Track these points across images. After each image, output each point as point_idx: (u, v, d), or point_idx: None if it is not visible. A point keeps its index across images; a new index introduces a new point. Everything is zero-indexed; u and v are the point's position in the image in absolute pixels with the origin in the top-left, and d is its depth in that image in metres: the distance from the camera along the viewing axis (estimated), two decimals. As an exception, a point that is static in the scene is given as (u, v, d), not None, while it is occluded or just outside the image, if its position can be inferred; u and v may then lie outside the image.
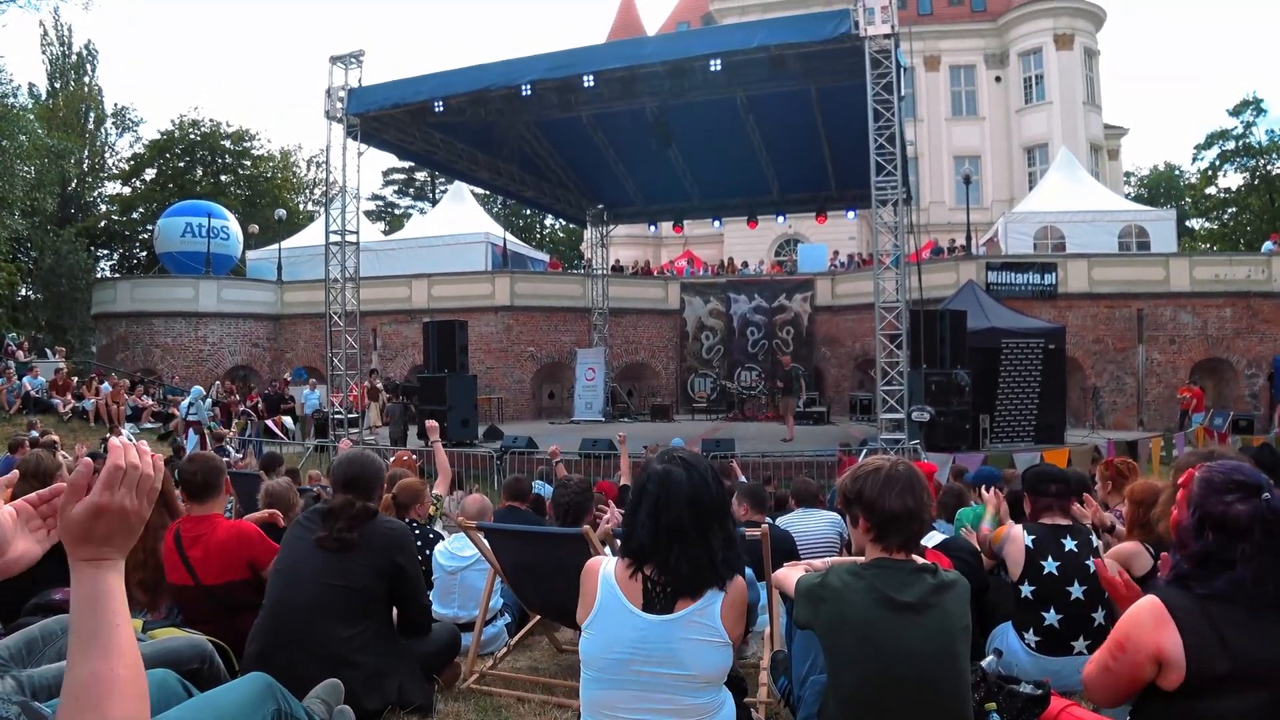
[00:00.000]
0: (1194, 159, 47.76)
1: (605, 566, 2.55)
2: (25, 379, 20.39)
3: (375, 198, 57.00)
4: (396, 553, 3.69)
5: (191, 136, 42.74)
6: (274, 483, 5.70)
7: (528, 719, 3.76)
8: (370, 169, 71.16)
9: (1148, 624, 2.14)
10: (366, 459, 3.95)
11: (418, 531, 5.21)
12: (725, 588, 2.44)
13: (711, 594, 2.42)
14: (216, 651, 3.29)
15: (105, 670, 1.29)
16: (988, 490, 6.32)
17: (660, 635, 2.39)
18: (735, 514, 5.90)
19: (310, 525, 3.69)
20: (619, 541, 3.92)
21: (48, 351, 25.10)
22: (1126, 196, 40.94)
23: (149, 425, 20.52)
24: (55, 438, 12.96)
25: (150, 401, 21.88)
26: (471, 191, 32.17)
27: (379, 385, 22.75)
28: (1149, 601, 2.19)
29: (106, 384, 20.96)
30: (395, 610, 3.84)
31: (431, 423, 8.00)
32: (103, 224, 43.13)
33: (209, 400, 20.61)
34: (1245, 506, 2.12)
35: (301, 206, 49.00)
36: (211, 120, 43.55)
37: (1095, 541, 3.91)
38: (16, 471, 3.83)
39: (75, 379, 21.83)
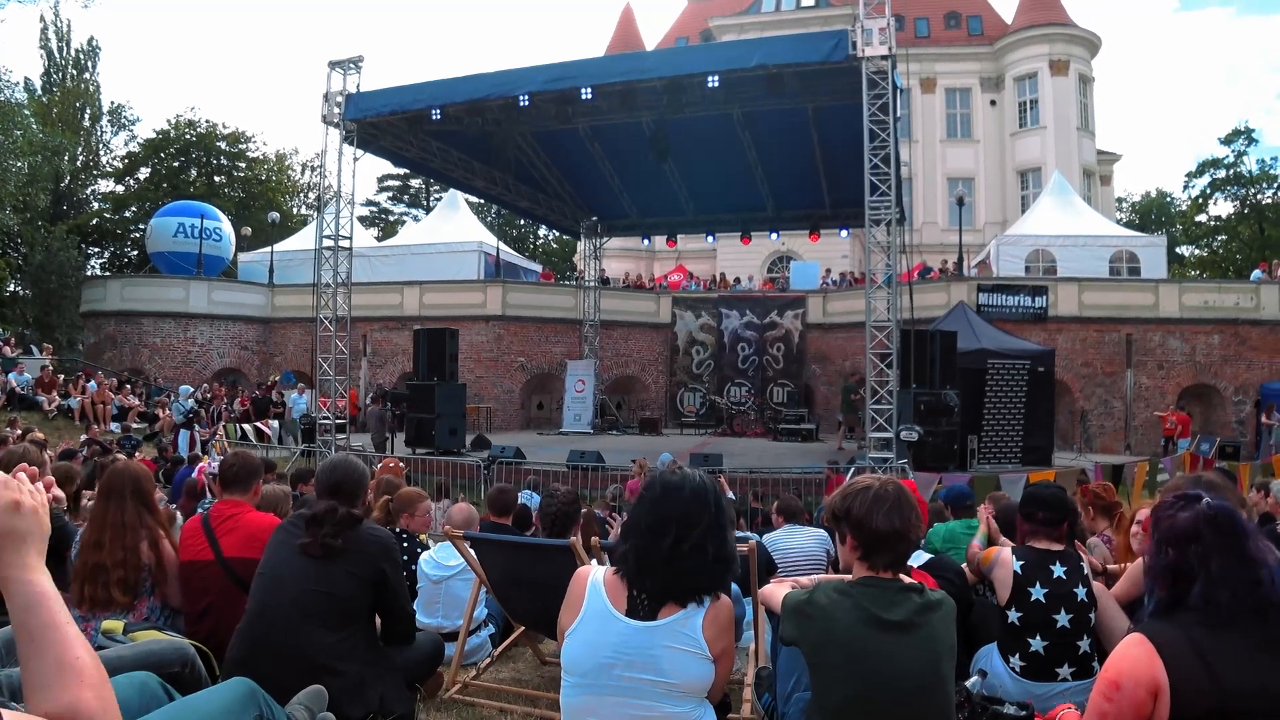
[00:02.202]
0: (1185, 186, 48.31)
1: (595, 574, 2.58)
2: (11, 375, 20.27)
3: (369, 203, 57.06)
4: (381, 560, 3.66)
5: (187, 136, 42.73)
6: (268, 488, 5.67)
7: (510, 730, 3.73)
8: (365, 175, 71.18)
9: (1141, 658, 2.11)
10: (350, 464, 3.93)
11: (405, 541, 5.18)
12: (702, 601, 2.45)
13: (693, 606, 2.44)
14: (198, 655, 3.27)
15: (70, 658, 1.29)
16: (950, 510, 6.36)
17: (642, 641, 2.41)
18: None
19: (294, 531, 3.67)
20: (606, 555, 3.94)
21: (34, 348, 24.98)
22: (1118, 222, 41.17)
23: (135, 425, 20.40)
24: (41, 435, 12.87)
25: (136, 401, 21.75)
26: (466, 200, 32.22)
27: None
28: (1136, 639, 2.17)
29: (93, 382, 20.85)
30: (379, 618, 3.82)
31: None
32: (95, 222, 42.99)
33: (191, 402, 20.55)
34: (1187, 514, 2.22)
35: (295, 210, 48.99)
36: (208, 121, 43.66)
37: (1086, 569, 3.90)
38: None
39: (62, 376, 21.71)
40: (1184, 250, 50.60)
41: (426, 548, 5.42)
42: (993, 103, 40.48)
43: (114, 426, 19.68)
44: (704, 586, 2.45)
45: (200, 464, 11.59)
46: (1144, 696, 2.09)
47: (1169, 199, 56.15)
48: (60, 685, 1.27)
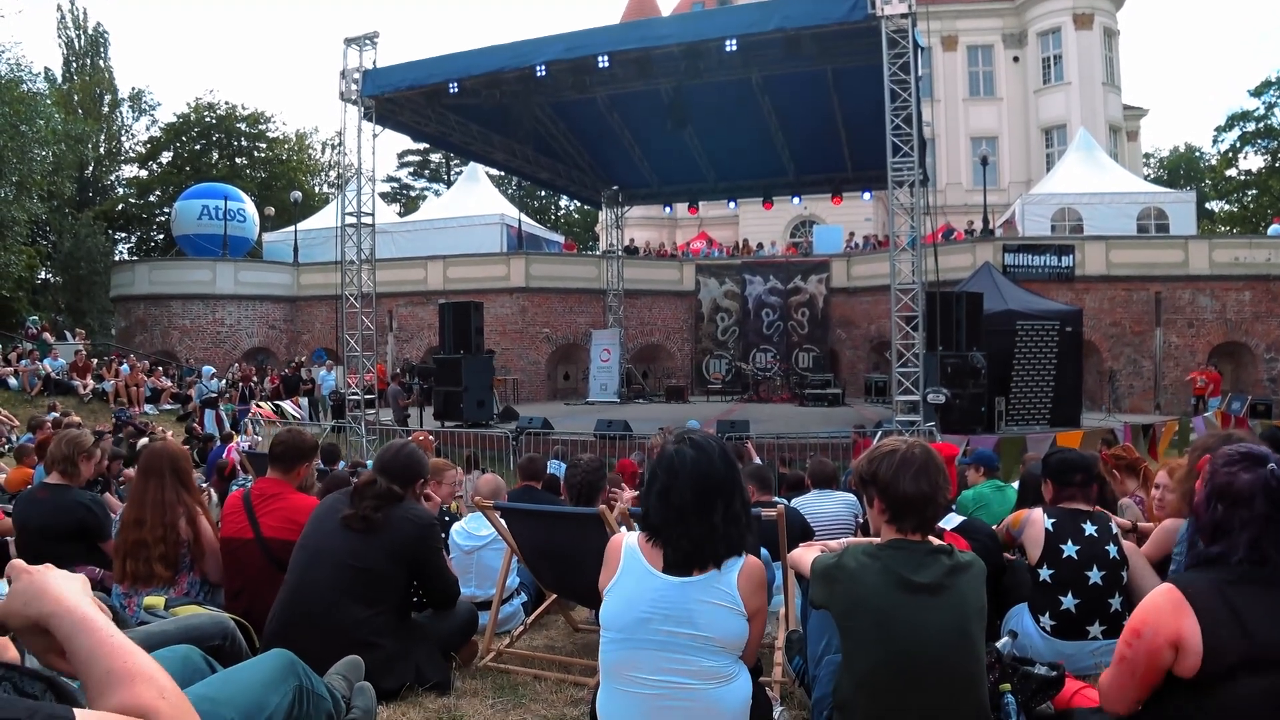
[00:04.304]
0: (1214, 140, 47.40)
1: (629, 539, 2.63)
2: (45, 361, 20.57)
3: (390, 179, 57.09)
4: (418, 545, 3.74)
5: (207, 119, 42.88)
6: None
7: (544, 696, 3.78)
8: (385, 151, 71.04)
9: (1166, 609, 2.15)
10: (408, 452, 4.01)
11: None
12: (733, 559, 2.50)
13: (728, 563, 2.48)
14: (238, 629, 3.33)
15: (118, 665, 1.33)
16: (980, 471, 6.39)
17: (678, 595, 2.45)
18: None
19: (339, 505, 3.75)
20: (635, 523, 3.97)
21: (67, 334, 25.31)
22: (1146, 178, 40.55)
23: (168, 407, 20.70)
24: (77, 419, 13.08)
25: (169, 383, 22.04)
26: (486, 173, 32.18)
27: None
28: (1166, 589, 2.20)
29: (125, 365, 21.13)
30: (421, 588, 3.91)
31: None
32: (120, 207, 43.35)
33: (218, 381, 20.76)
34: (1249, 475, 2.17)
35: (317, 189, 49.09)
36: (227, 103, 43.78)
37: (1115, 529, 3.90)
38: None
39: (95, 361, 22.01)
40: (1213, 206, 49.69)
41: (457, 517, 5.48)
42: (1015, 59, 39.77)
43: (148, 408, 19.97)
44: (719, 547, 2.49)
45: (232, 443, 11.74)
46: (1161, 645, 2.12)
47: (1198, 153, 55.17)
48: (114, 689, 1.31)
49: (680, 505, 2.47)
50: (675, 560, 2.48)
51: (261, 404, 20.30)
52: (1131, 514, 5.02)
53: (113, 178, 45.30)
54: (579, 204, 43.36)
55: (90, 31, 44.45)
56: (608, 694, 2.56)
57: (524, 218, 32.02)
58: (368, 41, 15.76)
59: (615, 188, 25.05)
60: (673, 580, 2.46)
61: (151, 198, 43.48)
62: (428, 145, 38.21)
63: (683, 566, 2.47)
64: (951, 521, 4.31)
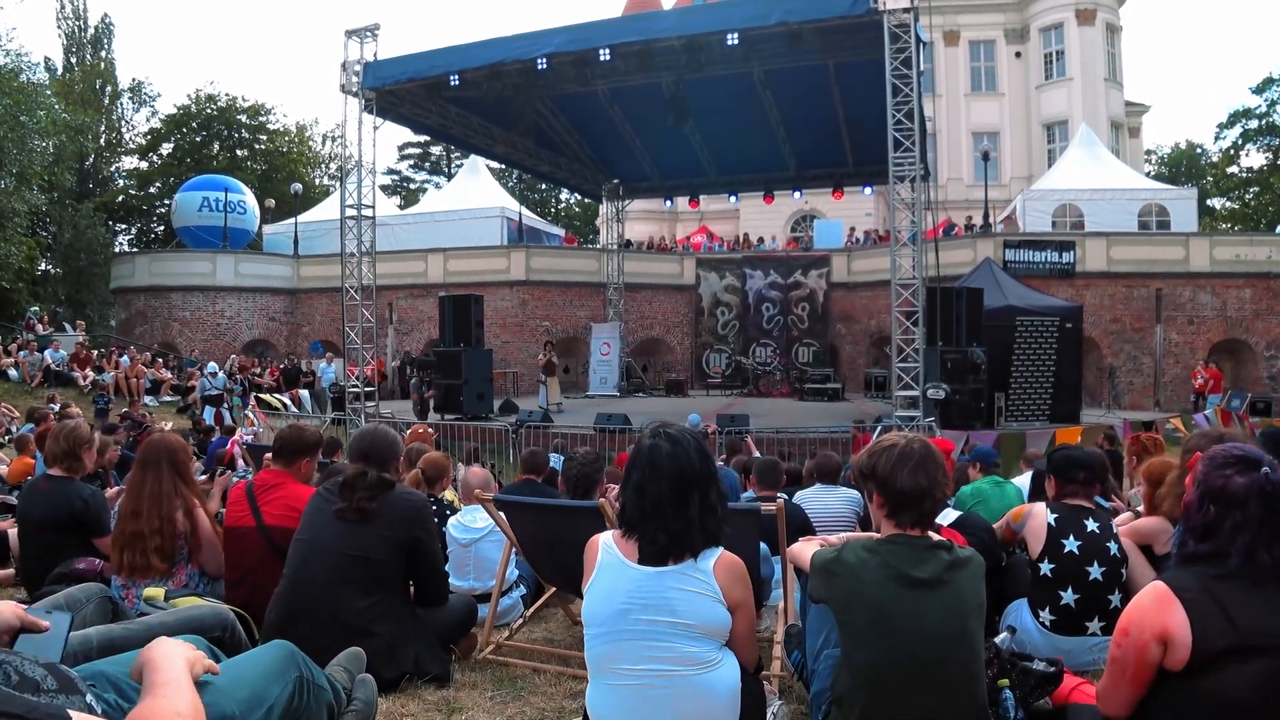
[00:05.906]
0: (1216, 137, 47.23)
1: (604, 537, 2.65)
2: (46, 352, 20.56)
3: (391, 172, 57.05)
4: (415, 527, 3.73)
5: (208, 111, 42.77)
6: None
7: (543, 689, 3.79)
8: (386, 143, 71.04)
9: (1151, 606, 2.18)
10: (382, 432, 3.99)
11: (434, 506, 5.23)
12: (710, 549, 2.52)
13: (705, 553, 2.50)
14: (237, 620, 3.34)
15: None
16: (977, 468, 6.38)
17: (655, 584, 2.47)
18: (742, 487, 5.91)
19: (329, 497, 3.74)
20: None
21: (67, 325, 25.29)
22: (1147, 175, 40.43)
23: (168, 399, 20.68)
24: (77, 410, 13.06)
25: (169, 375, 22.03)
26: (487, 166, 32.16)
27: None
28: (1153, 586, 2.24)
29: (126, 357, 21.11)
30: (413, 581, 3.89)
31: None
32: (120, 199, 43.22)
33: (220, 376, 20.74)
34: (1243, 479, 2.19)
35: (318, 181, 48.99)
36: (228, 94, 43.66)
37: (1115, 527, 3.92)
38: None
39: (95, 352, 21.99)
40: (1215, 203, 49.58)
41: (455, 510, 5.48)
42: (1018, 55, 39.67)
43: (148, 400, 19.96)
44: (696, 538, 2.51)
45: (233, 436, 11.73)
46: (1148, 641, 2.16)
47: (1199, 150, 55.07)
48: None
49: (657, 499, 2.49)
50: (651, 553, 2.50)
51: (261, 395, 20.28)
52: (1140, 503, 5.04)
53: (113, 169, 45.18)
54: (579, 197, 43.36)
55: (97, 23, 44.33)
56: (597, 691, 2.57)
57: (524, 211, 32.00)
58: (368, 34, 15.74)
59: (616, 181, 25.03)
60: (648, 570, 2.49)
61: (152, 189, 43.39)
62: (428, 138, 38.21)
63: (658, 559, 2.49)
64: (947, 517, 4.31)
